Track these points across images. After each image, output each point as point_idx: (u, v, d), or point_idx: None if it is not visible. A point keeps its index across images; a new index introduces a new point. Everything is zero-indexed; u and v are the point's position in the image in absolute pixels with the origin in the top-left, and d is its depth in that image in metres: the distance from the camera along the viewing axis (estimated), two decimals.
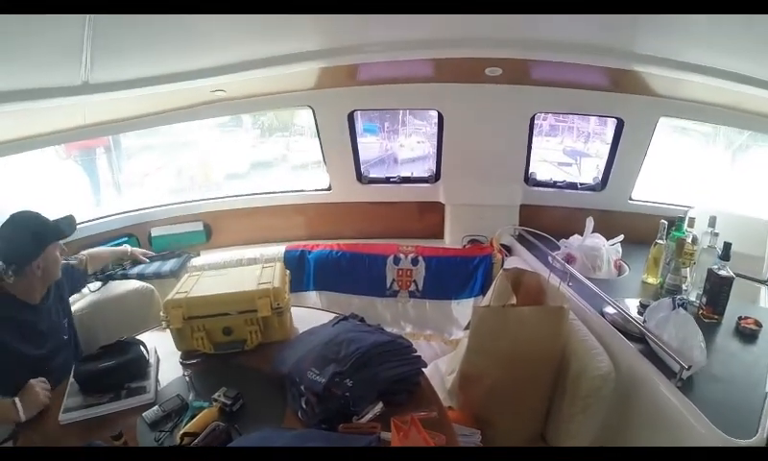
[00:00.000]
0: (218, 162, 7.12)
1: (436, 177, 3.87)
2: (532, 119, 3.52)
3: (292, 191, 4.16)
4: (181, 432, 1.66)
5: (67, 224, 2.40)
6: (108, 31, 2.04)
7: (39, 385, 2.01)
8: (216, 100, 3.43)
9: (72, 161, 6.65)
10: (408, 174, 4.04)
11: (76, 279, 2.81)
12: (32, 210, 2.34)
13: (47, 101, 2.53)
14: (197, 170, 6.89)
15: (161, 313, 2.23)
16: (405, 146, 6.65)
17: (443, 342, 3.30)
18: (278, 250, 3.68)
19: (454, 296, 3.46)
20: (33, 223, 2.30)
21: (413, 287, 3.51)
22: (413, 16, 2.36)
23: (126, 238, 3.60)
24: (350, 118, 3.59)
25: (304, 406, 1.73)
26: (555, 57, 2.81)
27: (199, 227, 3.88)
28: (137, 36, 2.20)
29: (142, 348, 2.16)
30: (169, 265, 3.39)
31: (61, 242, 2.38)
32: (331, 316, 2.39)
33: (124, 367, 2.05)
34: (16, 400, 1.94)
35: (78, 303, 2.82)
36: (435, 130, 3.64)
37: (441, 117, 3.56)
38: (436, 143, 3.76)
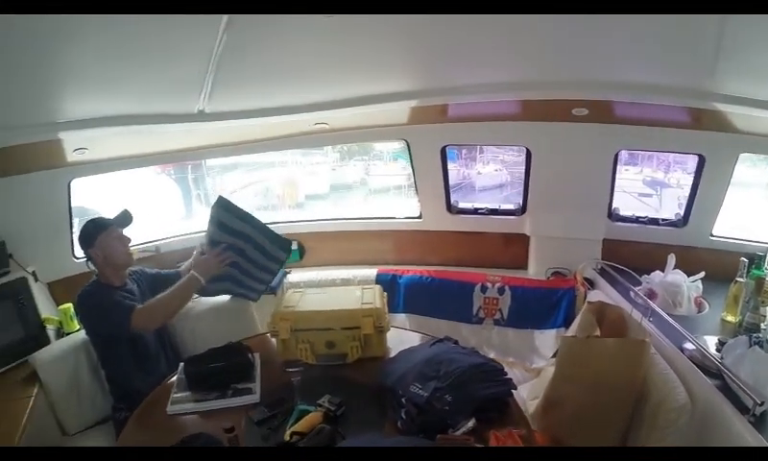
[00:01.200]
0: (301, 183, 7.33)
1: (522, 209, 3.99)
2: (616, 156, 3.61)
3: (384, 218, 4.41)
4: (290, 431, 1.89)
5: (121, 217, 2.80)
6: (230, 66, 2.28)
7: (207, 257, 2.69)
8: (318, 131, 3.68)
9: (166, 176, 7.07)
10: (495, 205, 4.17)
11: (165, 284, 3.02)
12: (92, 217, 2.86)
13: (166, 125, 2.92)
14: (283, 190, 7.12)
15: (268, 323, 2.50)
16: (483, 173, 6.71)
17: (524, 369, 3.41)
18: (370, 272, 3.91)
19: (537, 326, 3.57)
20: (89, 222, 2.79)
21: (498, 315, 3.65)
22: (503, 61, 2.61)
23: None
24: (442, 152, 3.78)
25: (404, 417, 1.92)
26: (638, 98, 2.96)
27: (293, 246, 4.03)
28: (254, 72, 2.47)
29: (249, 352, 2.44)
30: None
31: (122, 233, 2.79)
32: (419, 337, 2.70)
33: (232, 368, 2.34)
34: (192, 271, 2.63)
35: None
36: (513, 158, 3.80)
37: (528, 153, 3.71)
38: (523, 177, 3.90)
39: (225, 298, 3.38)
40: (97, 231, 2.73)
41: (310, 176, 7.90)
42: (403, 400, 1.95)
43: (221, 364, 2.35)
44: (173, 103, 2.76)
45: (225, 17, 1.77)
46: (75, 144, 3.10)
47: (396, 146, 8.97)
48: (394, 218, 4.37)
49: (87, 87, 2.43)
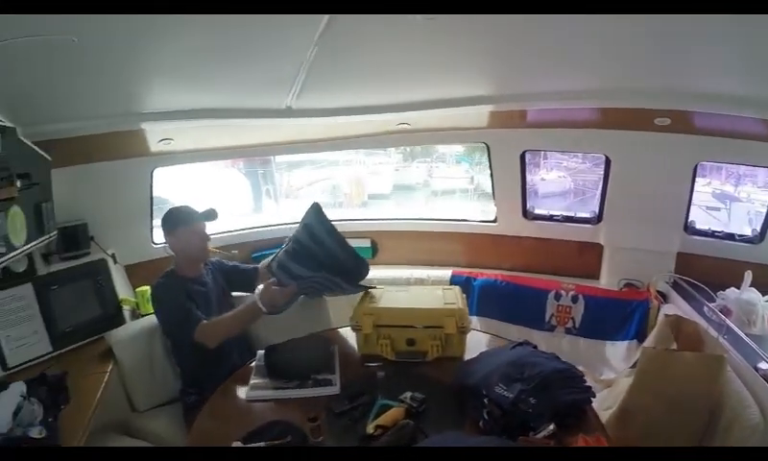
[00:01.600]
0: (366, 182, 7.39)
1: (598, 218, 3.91)
2: (695, 167, 3.50)
3: (458, 220, 4.37)
4: (375, 424, 1.89)
5: (206, 214, 2.87)
6: (322, 65, 2.30)
7: (272, 285, 2.61)
8: (400, 131, 3.71)
9: (236, 170, 7.23)
10: (570, 213, 4.12)
11: (242, 278, 3.16)
12: (180, 205, 2.92)
13: (253, 120, 3.03)
14: (350, 188, 7.20)
15: (351, 317, 2.51)
16: (546, 180, 6.62)
17: (593, 380, 3.22)
18: (444, 273, 3.90)
19: (609, 337, 3.50)
20: (170, 212, 2.87)
21: (570, 324, 3.60)
22: (585, 68, 2.56)
23: None
24: (522, 157, 3.74)
25: (486, 417, 1.90)
26: (722, 109, 2.88)
27: (366, 243, 4.16)
28: (344, 71, 2.49)
29: (330, 344, 2.46)
30: None
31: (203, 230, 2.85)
32: (495, 339, 2.71)
33: (313, 359, 2.37)
34: (258, 299, 2.58)
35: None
36: (577, 165, 3.73)
37: (608, 161, 3.63)
38: (600, 186, 3.82)
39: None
40: (180, 223, 2.81)
41: (373, 176, 7.96)
42: (486, 400, 1.93)
43: (302, 354, 2.39)
44: (262, 99, 2.85)
45: (325, 18, 1.78)
46: (161, 135, 3.23)
47: (460, 149, 9.02)
48: (468, 221, 4.33)
49: (181, 82, 2.52)
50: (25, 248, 2.41)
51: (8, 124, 2.24)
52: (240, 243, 3.94)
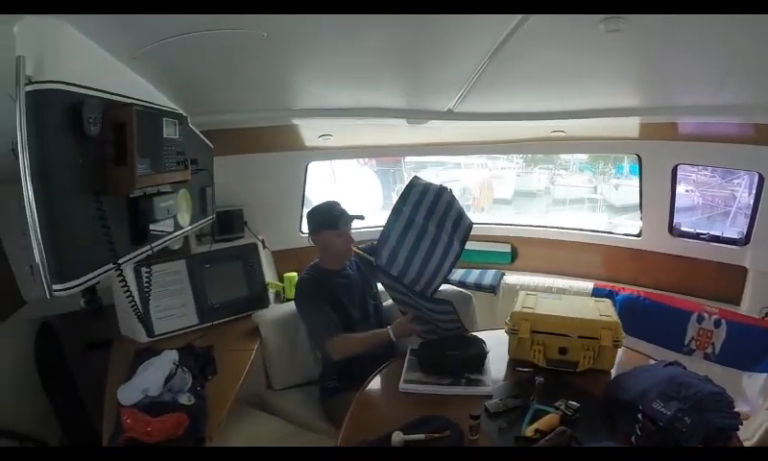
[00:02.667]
0: (496, 187, 7.31)
1: (745, 239, 3.63)
2: None
3: (601, 231, 4.19)
4: (533, 428, 1.87)
5: (352, 218, 2.93)
6: (496, 70, 2.26)
7: (407, 322, 2.67)
8: (554, 138, 3.64)
9: (368, 168, 7.38)
10: (717, 232, 3.85)
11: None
12: (328, 202, 2.99)
13: (415, 121, 3.04)
14: (479, 192, 7.15)
15: (507, 321, 2.47)
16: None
17: None
18: (585, 285, 3.77)
19: (747, 367, 3.24)
20: (320, 209, 2.97)
21: (709, 349, 3.36)
22: (736, 82, 2.40)
23: None
24: (673, 171, 3.55)
25: (639, 432, 1.84)
26: None
27: (506, 248, 4.10)
28: (513, 77, 2.44)
29: (484, 345, 2.43)
30: (489, 279, 3.72)
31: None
32: (629, 355, 2.59)
33: (467, 358, 2.35)
34: (389, 328, 2.68)
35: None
36: (706, 179, 3.52)
37: (761, 180, 3.37)
38: (752, 205, 3.55)
39: (448, 289, 3.34)
40: (326, 225, 2.90)
41: (496, 180, 7.86)
42: (640, 415, 1.88)
43: (457, 352, 2.37)
44: (427, 100, 2.86)
45: (516, 18, 1.77)
46: (322, 131, 3.36)
47: (584, 157, 8.71)
48: (611, 233, 4.15)
49: (350, 81, 2.56)
50: (189, 228, 2.54)
51: (182, 112, 2.35)
52: (373, 239, 3.96)
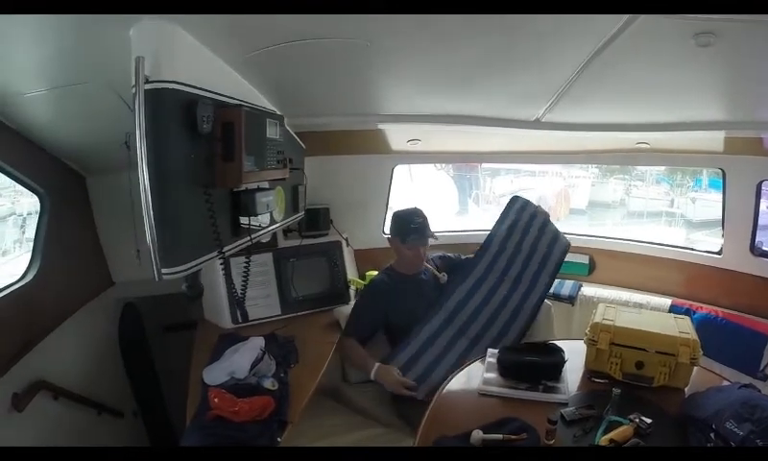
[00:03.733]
0: (572, 197, 7.18)
1: None
2: None
3: (680, 247, 4.06)
4: (609, 437, 1.87)
5: (426, 237, 3.04)
6: (587, 81, 2.27)
7: (396, 375, 2.80)
8: (637, 150, 3.59)
9: (444, 173, 7.39)
10: None
11: (457, 270, 3.30)
12: (409, 212, 3.13)
13: (502, 129, 3.06)
14: (556, 201, 7.04)
15: (587, 332, 2.45)
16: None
17: None
18: (663, 301, 3.67)
19: None
20: (401, 219, 3.11)
21: None
22: None
23: None
24: (758, 187, 3.40)
25: None
26: None
27: (585, 259, 4.04)
28: (601, 89, 2.44)
29: (563, 354, 2.42)
30: (567, 290, 3.72)
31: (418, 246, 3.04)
32: (703, 375, 2.50)
33: (546, 365, 2.35)
34: (376, 369, 2.84)
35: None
36: None
37: None
38: None
39: None
40: (399, 235, 3.08)
41: (570, 189, 7.72)
42: (712, 435, 1.87)
43: (536, 359, 2.39)
44: (515, 109, 2.89)
45: (620, 22, 1.77)
46: (411, 135, 3.44)
47: (661, 168, 8.39)
48: (692, 250, 3.95)
49: (442, 88, 2.61)
50: (282, 223, 2.65)
51: (279, 113, 2.44)
52: (448, 244, 3.92)
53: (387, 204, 3.96)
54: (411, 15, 1.48)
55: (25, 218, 4.30)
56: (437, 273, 3.21)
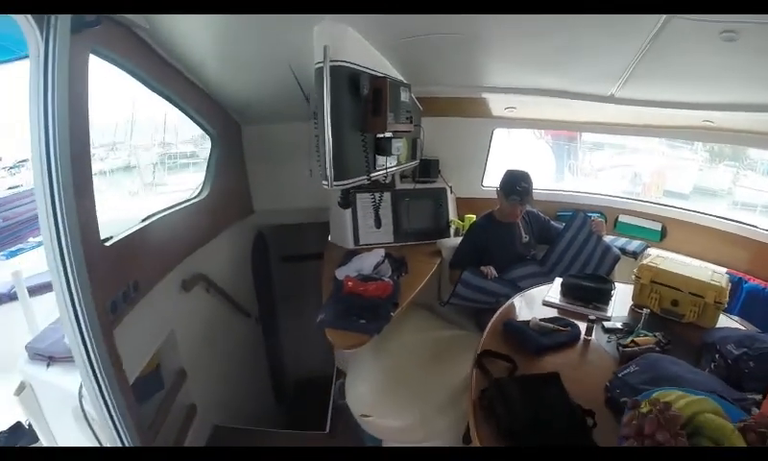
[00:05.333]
0: (666, 176, 7.04)
1: None
2: None
3: (755, 226, 4.03)
4: (631, 339, 2.36)
5: (527, 200, 3.55)
6: (650, 62, 2.66)
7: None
8: (704, 128, 3.81)
9: (544, 141, 7.67)
10: None
11: (547, 234, 3.85)
12: (518, 174, 3.61)
13: (580, 102, 3.50)
14: (651, 179, 7.00)
15: (634, 271, 2.88)
16: None
17: None
18: (720, 269, 3.53)
19: None
20: (510, 179, 3.60)
21: None
22: None
23: (598, 214, 4.33)
24: None
25: (713, 367, 2.19)
26: None
27: (657, 227, 4.33)
28: (666, 69, 2.76)
29: (612, 284, 2.96)
30: (633, 247, 4.05)
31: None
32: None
33: (597, 290, 2.89)
34: None
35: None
36: None
37: None
38: None
39: None
40: (504, 191, 3.61)
41: (673, 170, 7.44)
42: (716, 355, 2.21)
43: (591, 284, 2.91)
44: (593, 86, 3.29)
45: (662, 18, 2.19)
46: (507, 103, 4.02)
47: None
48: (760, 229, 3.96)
49: (533, 66, 3.18)
50: (403, 166, 3.33)
51: (406, 82, 3.14)
52: (544, 201, 4.46)
53: (486, 161, 4.57)
54: (509, 15, 2.13)
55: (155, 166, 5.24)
56: (523, 233, 3.74)
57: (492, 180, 4.36)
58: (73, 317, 1.98)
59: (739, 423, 1.43)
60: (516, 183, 3.55)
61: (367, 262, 3.22)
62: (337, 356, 4.11)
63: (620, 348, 2.32)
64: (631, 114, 3.79)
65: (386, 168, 2.79)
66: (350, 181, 2.39)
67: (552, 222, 3.92)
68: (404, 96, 2.82)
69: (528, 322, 2.51)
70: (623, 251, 3.96)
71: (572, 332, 2.47)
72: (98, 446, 2.33)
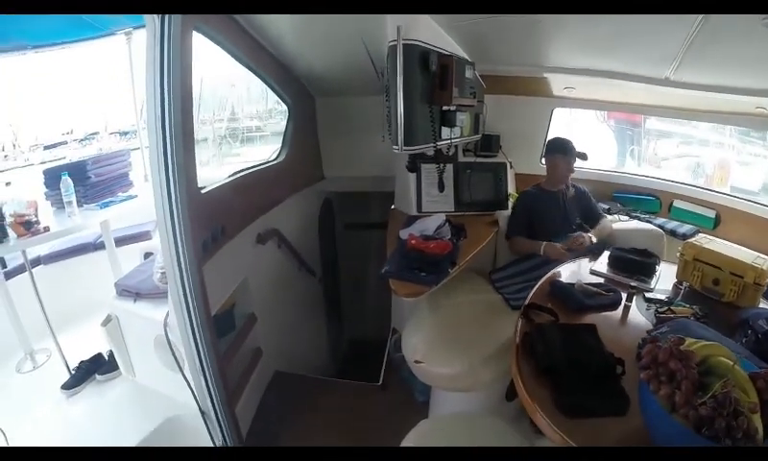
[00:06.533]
0: (733, 171, 6.90)
1: None
2: None
3: None
4: (667, 309, 2.49)
5: (579, 154, 3.70)
6: (700, 49, 2.78)
7: (559, 247, 3.45)
8: (757, 114, 3.74)
9: (606, 126, 7.67)
10: None
11: (589, 215, 3.91)
12: (565, 137, 3.77)
13: (635, 84, 3.57)
14: (714, 171, 6.91)
15: (679, 249, 2.96)
16: None
17: None
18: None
19: None
20: (554, 140, 3.79)
21: None
22: None
23: (654, 197, 4.48)
24: None
25: (743, 341, 2.24)
26: None
27: (711, 214, 4.27)
28: (717, 55, 2.87)
29: (657, 260, 3.07)
30: (683, 230, 4.10)
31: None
32: None
33: (641, 264, 3.01)
34: (544, 246, 3.51)
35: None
36: None
37: None
38: None
39: (644, 227, 3.97)
40: (556, 150, 3.76)
41: (743, 166, 7.25)
42: (749, 331, 2.27)
43: (637, 258, 3.02)
44: (649, 68, 3.38)
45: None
46: (566, 83, 4.15)
47: None
48: None
49: (590, 50, 3.36)
50: (467, 139, 3.57)
51: (470, 60, 3.36)
52: (602, 181, 4.63)
53: (545, 139, 4.62)
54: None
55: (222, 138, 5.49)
56: (570, 204, 3.85)
57: None
58: (173, 250, 2.37)
59: (751, 372, 1.47)
60: (559, 143, 3.76)
61: (429, 224, 3.44)
62: (393, 316, 4.38)
63: (656, 314, 2.44)
64: (686, 98, 3.82)
65: (450, 139, 3.02)
66: (418, 147, 2.65)
67: (598, 203, 4.04)
68: (468, 73, 3.05)
69: (573, 284, 2.71)
70: (674, 233, 4.05)
71: (614, 297, 2.60)
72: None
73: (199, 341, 2.55)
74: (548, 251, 3.52)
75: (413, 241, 3.09)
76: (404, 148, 2.58)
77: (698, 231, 4.09)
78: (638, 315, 2.49)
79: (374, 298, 5.64)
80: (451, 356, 2.90)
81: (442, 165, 3.45)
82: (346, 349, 6.48)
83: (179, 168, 2.26)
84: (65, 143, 8.00)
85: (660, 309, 2.48)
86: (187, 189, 2.35)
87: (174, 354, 2.73)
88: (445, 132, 2.96)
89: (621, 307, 2.55)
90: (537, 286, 2.77)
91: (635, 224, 4.12)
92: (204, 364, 2.60)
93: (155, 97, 2.17)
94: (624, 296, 2.60)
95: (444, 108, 2.87)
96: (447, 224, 3.53)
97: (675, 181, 4.59)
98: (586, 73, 3.69)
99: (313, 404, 3.78)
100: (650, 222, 4.17)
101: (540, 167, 4.64)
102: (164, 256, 2.46)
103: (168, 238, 2.36)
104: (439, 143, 2.86)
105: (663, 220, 4.27)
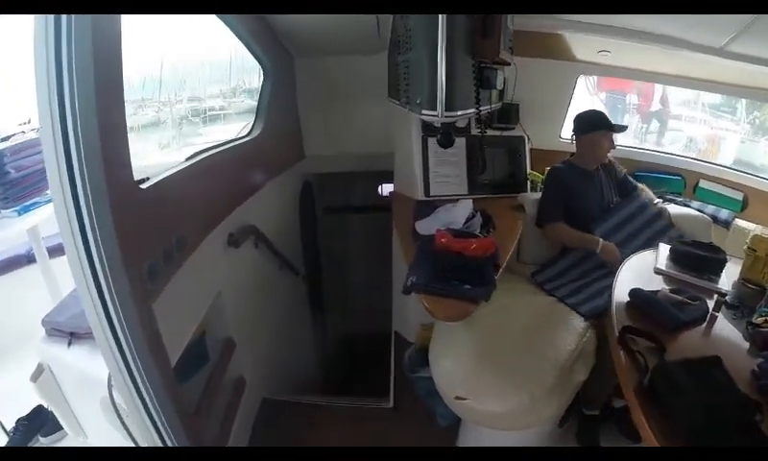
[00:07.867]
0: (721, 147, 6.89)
1: None
2: None
3: None
4: (763, 319, 2.18)
5: (617, 127, 3.29)
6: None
7: (616, 249, 3.07)
8: None
9: (597, 98, 7.43)
10: None
11: (624, 189, 3.52)
12: (597, 110, 3.38)
13: (687, 51, 3.13)
14: (705, 146, 6.83)
15: (747, 242, 2.64)
16: None
17: None
18: None
19: None
20: (591, 114, 3.32)
21: None
22: None
23: (679, 176, 4.11)
24: None
25: None
26: None
27: (738, 196, 3.98)
28: None
29: (724, 255, 2.74)
30: (724, 215, 3.81)
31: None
32: None
33: (709, 261, 2.69)
34: (601, 246, 3.12)
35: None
36: None
37: None
38: None
39: (691, 213, 3.63)
40: (596, 126, 3.26)
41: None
42: None
43: (704, 253, 2.72)
44: (701, 34, 2.97)
45: None
46: (602, 46, 3.59)
47: None
48: None
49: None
50: (494, 106, 2.93)
51: None
52: (624, 159, 4.04)
53: (566, 112, 4.10)
54: None
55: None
56: (606, 182, 3.46)
57: (568, 132, 3.93)
58: (94, 288, 1.45)
59: None
60: (601, 117, 3.28)
61: (456, 215, 2.87)
62: (394, 316, 3.87)
63: (749, 327, 2.17)
64: (737, 73, 3.45)
65: (490, 105, 2.49)
66: (461, 112, 2.10)
67: (629, 177, 3.63)
68: (509, 21, 2.45)
69: (657, 292, 2.34)
70: (714, 219, 3.75)
71: (702, 306, 2.28)
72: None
73: (156, 419, 1.72)
74: (605, 251, 3.13)
75: (443, 239, 2.46)
76: (446, 114, 1.99)
77: (735, 217, 3.86)
78: (727, 327, 2.24)
79: (368, 293, 5.07)
80: (506, 389, 2.36)
81: (480, 133, 2.78)
82: (341, 357, 5.82)
83: (92, 164, 1.36)
84: None
85: (752, 320, 2.22)
86: (112, 191, 1.43)
87: (127, 429, 1.84)
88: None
89: (708, 318, 2.27)
90: (614, 298, 2.39)
91: (678, 209, 3.66)
92: (164, 434, 1.77)
93: (47, 75, 1.29)
94: (710, 304, 2.32)
95: (483, 64, 2.23)
96: (478, 213, 2.96)
97: (701, 160, 4.27)
98: (629, 34, 3.20)
99: (315, 437, 3.19)
100: (687, 205, 3.80)
101: (558, 143, 4.17)
102: (83, 301, 1.50)
103: (82, 272, 1.44)
104: (482, 109, 2.25)
105: (698, 203, 3.98)
